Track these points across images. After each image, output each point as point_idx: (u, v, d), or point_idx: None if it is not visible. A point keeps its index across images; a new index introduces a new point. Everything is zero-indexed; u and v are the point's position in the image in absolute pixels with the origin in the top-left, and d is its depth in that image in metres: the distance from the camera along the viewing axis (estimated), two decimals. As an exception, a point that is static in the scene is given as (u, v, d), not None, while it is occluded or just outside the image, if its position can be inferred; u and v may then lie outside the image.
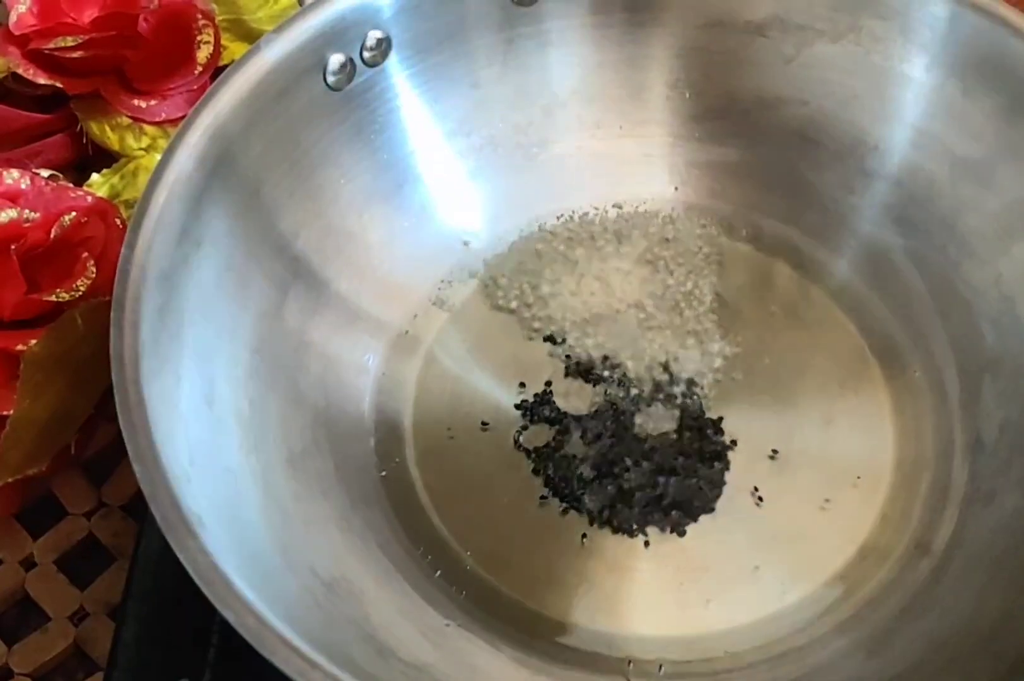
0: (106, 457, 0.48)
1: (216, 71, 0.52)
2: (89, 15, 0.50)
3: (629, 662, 0.41)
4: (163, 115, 0.52)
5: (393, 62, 0.44)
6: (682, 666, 0.41)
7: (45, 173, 0.45)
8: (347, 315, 0.46)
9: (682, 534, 0.43)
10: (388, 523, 0.43)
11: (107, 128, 0.52)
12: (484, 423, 0.46)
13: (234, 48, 0.53)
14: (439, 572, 0.42)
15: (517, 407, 0.46)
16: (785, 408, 0.46)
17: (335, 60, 0.41)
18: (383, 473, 0.44)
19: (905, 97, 0.45)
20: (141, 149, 0.52)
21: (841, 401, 0.46)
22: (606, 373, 0.47)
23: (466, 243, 0.50)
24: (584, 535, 0.44)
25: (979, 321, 0.45)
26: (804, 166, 0.49)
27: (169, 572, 0.41)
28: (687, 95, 0.50)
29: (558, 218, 0.51)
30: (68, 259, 0.43)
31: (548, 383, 0.47)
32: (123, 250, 0.36)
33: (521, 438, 0.46)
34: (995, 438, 0.43)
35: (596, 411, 0.46)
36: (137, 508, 0.46)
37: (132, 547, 0.43)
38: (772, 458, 0.45)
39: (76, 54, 0.49)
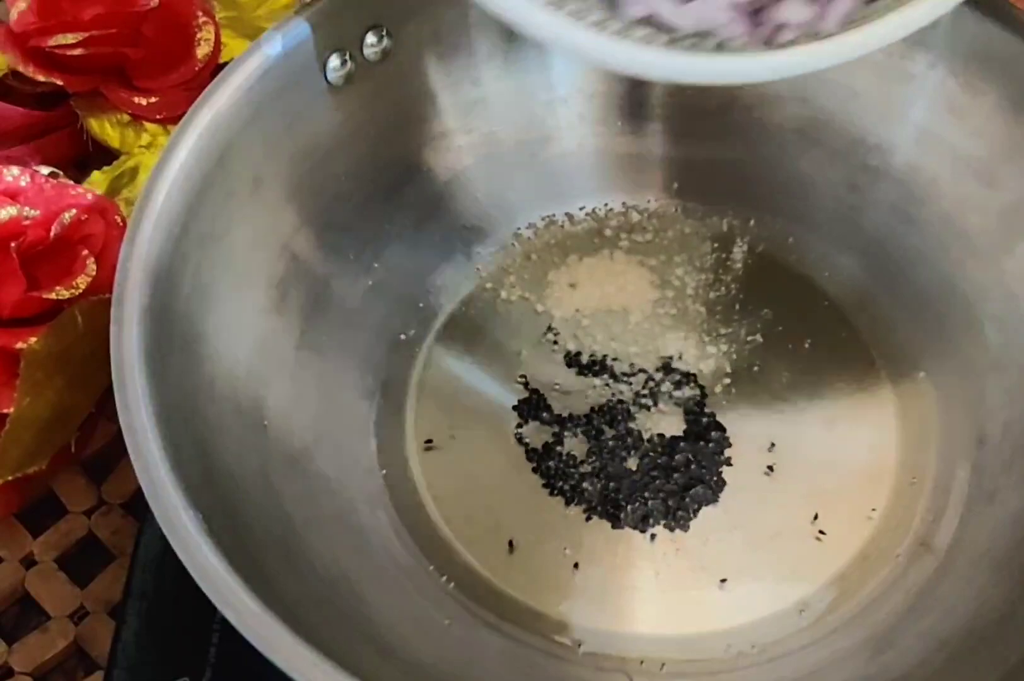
0: (106, 455, 0.47)
1: (216, 69, 0.52)
2: (89, 13, 0.50)
3: (641, 661, 0.41)
4: (163, 112, 0.52)
5: (393, 59, 0.44)
6: (683, 665, 0.41)
7: (45, 170, 0.45)
8: (347, 314, 0.46)
9: (685, 530, 0.43)
10: (389, 522, 0.43)
11: (107, 125, 0.52)
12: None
13: (234, 45, 0.53)
14: (440, 571, 0.42)
15: (516, 406, 0.46)
16: (787, 407, 0.46)
17: (335, 57, 0.41)
18: (384, 472, 0.44)
19: (907, 95, 0.45)
20: (141, 146, 0.52)
21: (844, 400, 0.46)
22: (607, 371, 0.47)
23: (467, 240, 0.50)
24: (585, 534, 0.43)
25: (983, 320, 0.45)
26: (805, 164, 0.49)
27: (169, 571, 0.41)
28: (688, 92, 0.49)
29: (559, 216, 0.51)
30: (68, 257, 0.43)
31: (548, 382, 0.47)
32: (123, 247, 0.36)
33: (522, 437, 0.46)
34: (999, 437, 0.43)
35: (597, 409, 0.46)
36: (137, 506, 0.46)
37: (132, 546, 0.43)
38: (773, 456, 0.45)
39: (76, 52, 0.49)
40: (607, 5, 0.33)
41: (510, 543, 0.43)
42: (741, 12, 0.33)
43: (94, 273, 0.42)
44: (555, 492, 0.44)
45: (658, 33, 0.33)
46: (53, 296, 0.42)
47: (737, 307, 0.49)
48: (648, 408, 0.46)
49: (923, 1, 0.33)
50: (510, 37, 0.47)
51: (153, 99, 0.52)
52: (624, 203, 0.51)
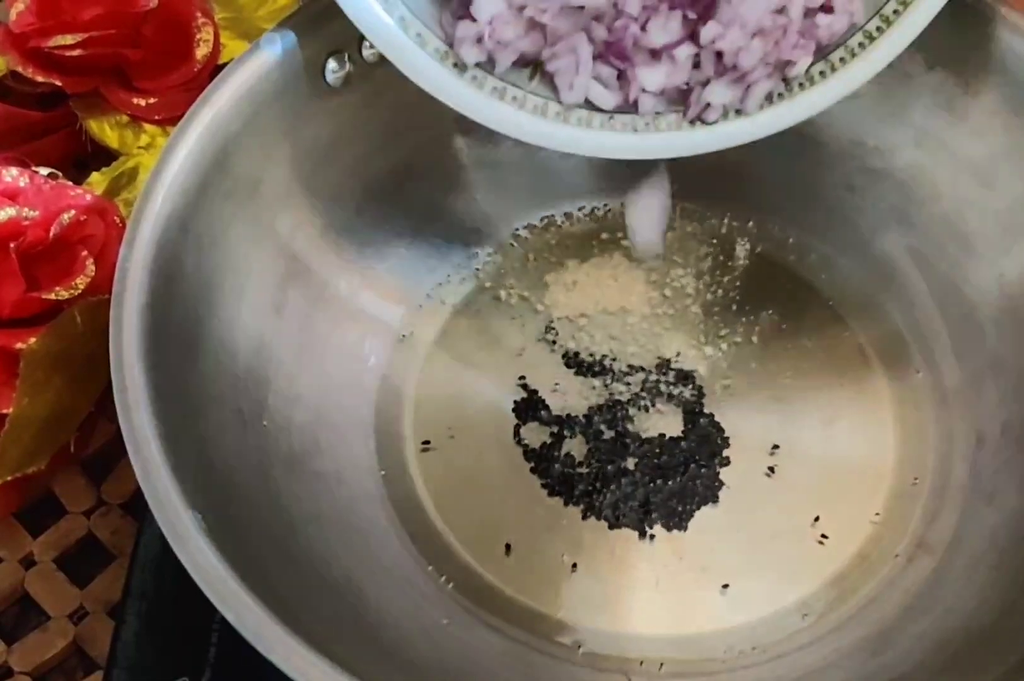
0: (105, 455, 0.48)
1: (215, 69, 0.52)
2: (88, 13, 0.50)
3: (641, 662, 0.41)
4: (162, 113, 0.52)
5: (392, 60, 0.44)
6: (683, 666, 0.41)
7: (44, 171, 0.45)
8: (347, 314, 0.46)
9: (683, 530, 0.43)
10: (388, 522, 0.43)
11: (106, 126, 0.52)
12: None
13: (233, 46, 0.53)
14: (439, 571, 0.42)
15: (514, 407, 0.46)
16: (786, 407, 0.46)
17: (334, 58, 0.41)
18: (383, 472, 0.44)
19: (906, 95, 0.45)
20: (140, 147, 0.52)
21: (842, 400, 0.46)
22: (606, 371, 0.47)
23: (466, 241, 0.50)
24: (584, 534, 0.43)
25: (981, 320, 0.45)
26: (805, 166, 0.49)
27: (169, 571, 0.41)
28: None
29: (559, 216, 0.51)
30: (67, 257, 0.43)
31: (547, 382, 0.47)
32: (122, 248, 0.36)
33: (520, 438, 0.46)
34: (996, 437, 0.43)
35: (596, 409, 0.46)
36: (136, 506, 0.46)
37: (131, 546, 0.43)
38: (772, 456, 0.45)
39: (75, 52, 0.49)
40: (546, 91, 0.37)
41: (507, 546, 0.43)
42: (671, 100, 0.37)
43: (93, 273, 0.42)
44: (553, 492, 0.44)
45: (593, 113, 0.37)
46: (52, 296, 0.42)
47: (736, 308, 0.49)
48: (647, 408, 0.46)
49: (833, 79, 0.38)
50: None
51: (152, 100, 0.52)
52: (623, 204, 0.51)
